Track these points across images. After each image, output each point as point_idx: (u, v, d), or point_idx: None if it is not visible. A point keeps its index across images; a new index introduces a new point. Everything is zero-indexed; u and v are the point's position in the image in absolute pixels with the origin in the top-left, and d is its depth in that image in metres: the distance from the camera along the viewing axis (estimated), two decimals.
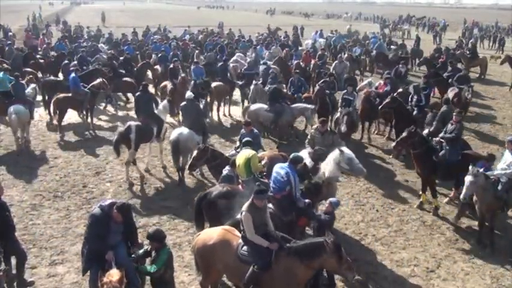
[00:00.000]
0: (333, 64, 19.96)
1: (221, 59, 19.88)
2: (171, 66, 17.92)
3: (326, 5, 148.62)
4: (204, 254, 6.46)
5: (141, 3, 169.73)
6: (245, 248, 6.19)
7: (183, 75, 17.36)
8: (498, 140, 14.87)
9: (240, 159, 8.32)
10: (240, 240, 6.28)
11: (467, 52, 26.21)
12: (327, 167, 8.70)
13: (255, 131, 10.07)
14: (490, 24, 53.69)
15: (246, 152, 8.28)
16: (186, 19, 56.69)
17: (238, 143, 10.18)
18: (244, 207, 6.24)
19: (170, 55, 21.80)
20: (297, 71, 17.69)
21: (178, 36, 32.68)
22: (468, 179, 8.36)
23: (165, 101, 12.82)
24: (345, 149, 8.71)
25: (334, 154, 8.67)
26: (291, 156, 7.67)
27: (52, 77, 18.41)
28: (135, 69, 19.70)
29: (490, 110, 18.56)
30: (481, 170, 8.54)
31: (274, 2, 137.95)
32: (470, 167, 8.53)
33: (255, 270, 5.95)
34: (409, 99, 13.93)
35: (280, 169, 7.34)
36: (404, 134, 10.04)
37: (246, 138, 8.75)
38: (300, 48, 28.00)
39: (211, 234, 6.55)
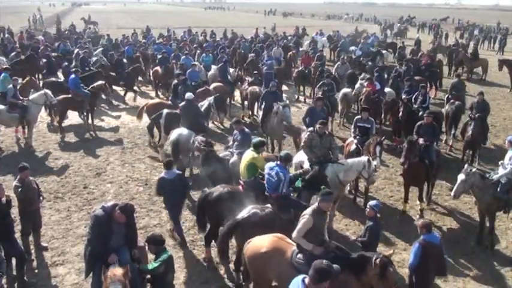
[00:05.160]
0: (335, 66, 19.95)
1: (221, 60, 19.88)
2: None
3: (326, 6, 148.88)
4: (256, 263, 6.29)
5: (141, 5, 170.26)
6: (300, 255, 6.04)
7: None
8: (499, 141, 14.87)
9: (244, 161, 8.33)
10: (294, 248, 6.14)
11: (469, 53, 26.25)
12: (345, 170, 8.95)
13: (246, 130, 10.17)
14: (491, 25, 53.63)
15: (250, 154, 8.29)
16: (187, 21, 56.76)
17: (231, 142, 10.31)
18: (308, 210, 6.06)
19: (171, 56, 21.87)
20: (321, 95, 13.84)
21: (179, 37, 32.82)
22: (460, 177, 8.37)
23: (211, 98, 13.75)
24: (371, 160, 8.96)
25: (359, 161, 8.99)
26: (281, 154, 7.87)
27: (53, 78, 18.38)
28: (126, 71, 19.70)
29: (491, 111, 18.50)
30: (474, 169, 8.52)
31: (275, 3, 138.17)
32: (465, 165, 8.56)
33: None
34: (413, 100, 14.08)
35: (270, 170, 7.54)
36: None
37: (257, 139, 8.69)
38: (300, 49, 28.04)
39: (263, 242, 6.34)
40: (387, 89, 16.40)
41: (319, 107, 11.69)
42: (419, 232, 6.73)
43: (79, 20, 50.66)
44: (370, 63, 21.21)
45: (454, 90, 16.25)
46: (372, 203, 7.35)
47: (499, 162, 9.14)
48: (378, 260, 5.61)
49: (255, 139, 8.72)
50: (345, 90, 16.50)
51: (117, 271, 5.28)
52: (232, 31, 37.10)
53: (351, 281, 5.73)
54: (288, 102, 13.07)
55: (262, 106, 13.44)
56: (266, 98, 13.48)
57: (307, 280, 4.46)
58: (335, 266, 4.64)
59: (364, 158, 9.04)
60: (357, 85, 16.60)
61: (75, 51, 23.30)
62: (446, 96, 16.29)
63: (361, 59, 23.96)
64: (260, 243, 6.34)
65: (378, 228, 7.23)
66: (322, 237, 6.15)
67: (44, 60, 20.40)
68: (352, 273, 5.73)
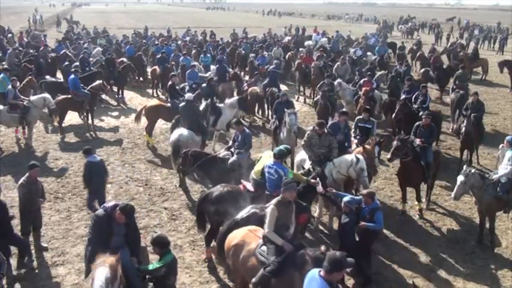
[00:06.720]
0: (335, 66, 19.94)
1: (221, 59, 19.97)
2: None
3: (326, 6, 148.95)
4: (229, 255, 6.45)
5: (141, 5, 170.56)
6: (263, 248, 6.11)
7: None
8: (499, 141, 14.81)
9: (264, 161, 8.32)
10: (261, 240, 6.21)
11: (469, 53, 26.28)
12: (336, 168, 8.90)
13: (247, 131, 10.21)
14: (491, 25, 53.59)
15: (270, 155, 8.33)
16: (188, 21, 56.74)
17: (231, 142, 10.31)
18: (273, 201, 6.21)
19: (171, 56, 21.88)
20: (344, 110, 11.75)
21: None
22: (459, 178, 8.38)
23: (235, 98, 14.33)
24: (361, 157, 8.80)
25: (348, 158, 8.88)
26: (274, 151, 7.93)
27: (53, 79, 18.41)
28: (118, 70, 19.68)
29: (491, 111, 18.55)
30: (473, 170, 8.53)
31: (275, 3, 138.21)
32: (464, 167, 8.57)
33: (264, 273, 5.86)
34: (413, 100, 14.11)
35: (268, 168, 7.68)
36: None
37: (284, 146, 8.67)
38: (300, 49, 28.03)
39: (236, 235, 6.53)
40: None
41: (343, 122, 10.41)
42: (365, 201, 7.42)
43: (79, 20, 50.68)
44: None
45: (457, 80, 18.14)
46: (345, 199, 7.47)
47: (500, 146, 9.51)
48: (310, 258, 5.65)
49: (279, 148, 8.24)
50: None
51: (108, 258, 5.25)
52: (234, 30, 37.26)
53: (296, 277, 5.73)
54: (296, 110, 12.54)
55: (275, 116, 13.03)
56: (278, 108, 12.91)
57: (322, 272, 4.63)
58: (349, 259, 4.78)
59: (351, 156, 8.88)
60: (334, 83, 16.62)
61: (63, 51, 23.21)
62: (452, 86, 18.22)
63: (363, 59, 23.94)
64: (233, 236, 6.53)
65: (351, 223, 7.30)
66: (286, 230, 6.19)
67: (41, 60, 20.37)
68: (297, 269, 5.76)
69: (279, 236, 6.01)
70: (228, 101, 14.25)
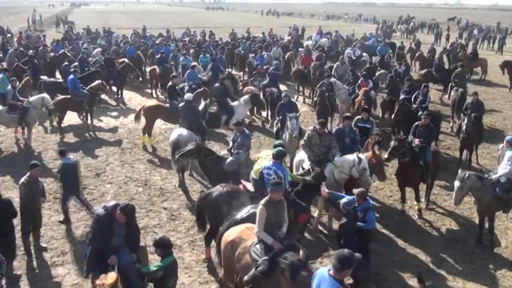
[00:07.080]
0: (335, 65, 19.94)
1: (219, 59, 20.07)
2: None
3: (326, 6, 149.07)
4: (225, 251, 6.49)
5: (140, 5, 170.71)
6: (257, 246, 6.11)
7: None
8: (499, 141, 14.82)
9: (262, 161, 8.33)
10: (256, 238, 6.22)
11: (469, 53, 26.32)
12: (338, 168, 8.92)
13: (247, 131, 10.20)
14: (490, 25, 53.65)
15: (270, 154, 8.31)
16: (187, 21, 56.71)
17: (231, 144, 10.26)
18: (262, 201, 6.22)
19: (170, 56, 21.88)
20: (347, 114, 11.19)
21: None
22: (456, 184, 8.38)
23: (247, 96, 14.71)
24: (363, 157, 8.79)
25: (349, 159, 8.88)
26: (273, 151, 7.85)
27: (51, 79, 18.39)
28: (117, 70, 19.65)
29: (491, 110, 18.56)
30: (468, 173, 8.52)
31: (274, 3, 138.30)
32: (459, 171, 8.55)
33: (256, 273, 5.86)
34: (413, 100, 14.13)
35: (267, 169, 7.67)
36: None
37: (279, 142, 8.59)
38: (300, 49, 28.03)
39: (233, 231, 6.57)
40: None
41: (347, 127, 10.07)
42: (357, 201, 7.27)
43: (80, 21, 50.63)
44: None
45: (456, 78, 18.40)
46: (343, 201, 7.46)
47: (500, 146, 9.58)
48: (286, 266, 5.57)
49: (279, 149, 8.14)
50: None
51: (107, 280, 5.21)
52: (233, 30, 37.27)
53: (281, 280, 5.72)
54: (298, 114, 11.92)
55: (278, 119, 12.72)
56: (280, 112, 12.62)
57: (331, 271, 4.57)
58: (356, 254, 4.69)
59: (353, 156, 8.88)
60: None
61: (61, 51, 23.21)
62: (450, 84, 18.43)
63: (362, 59, 23.93)
64: (230, 232, 6.56)
65: (351, 224, 7.30)
66: (278, 228, 6.20)
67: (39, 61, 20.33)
68: (282, 272, 5.72)
69: (270, 235, 6.03)
70: (241, 98, 14.62)
